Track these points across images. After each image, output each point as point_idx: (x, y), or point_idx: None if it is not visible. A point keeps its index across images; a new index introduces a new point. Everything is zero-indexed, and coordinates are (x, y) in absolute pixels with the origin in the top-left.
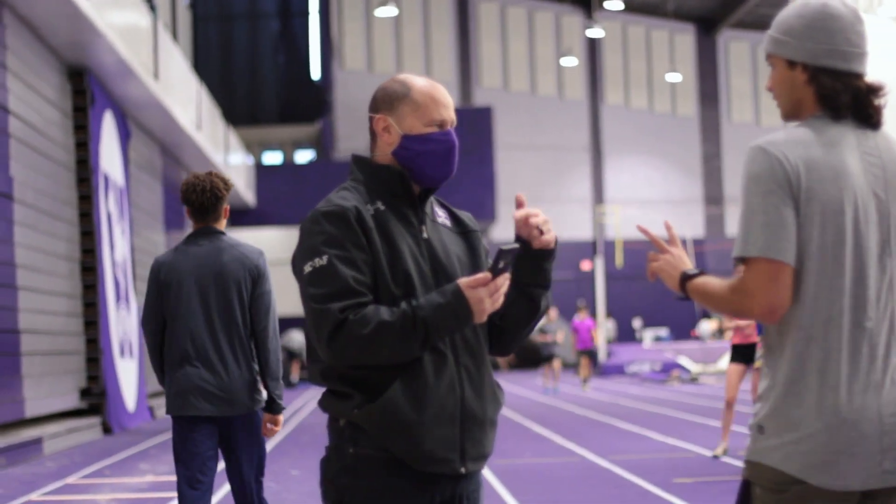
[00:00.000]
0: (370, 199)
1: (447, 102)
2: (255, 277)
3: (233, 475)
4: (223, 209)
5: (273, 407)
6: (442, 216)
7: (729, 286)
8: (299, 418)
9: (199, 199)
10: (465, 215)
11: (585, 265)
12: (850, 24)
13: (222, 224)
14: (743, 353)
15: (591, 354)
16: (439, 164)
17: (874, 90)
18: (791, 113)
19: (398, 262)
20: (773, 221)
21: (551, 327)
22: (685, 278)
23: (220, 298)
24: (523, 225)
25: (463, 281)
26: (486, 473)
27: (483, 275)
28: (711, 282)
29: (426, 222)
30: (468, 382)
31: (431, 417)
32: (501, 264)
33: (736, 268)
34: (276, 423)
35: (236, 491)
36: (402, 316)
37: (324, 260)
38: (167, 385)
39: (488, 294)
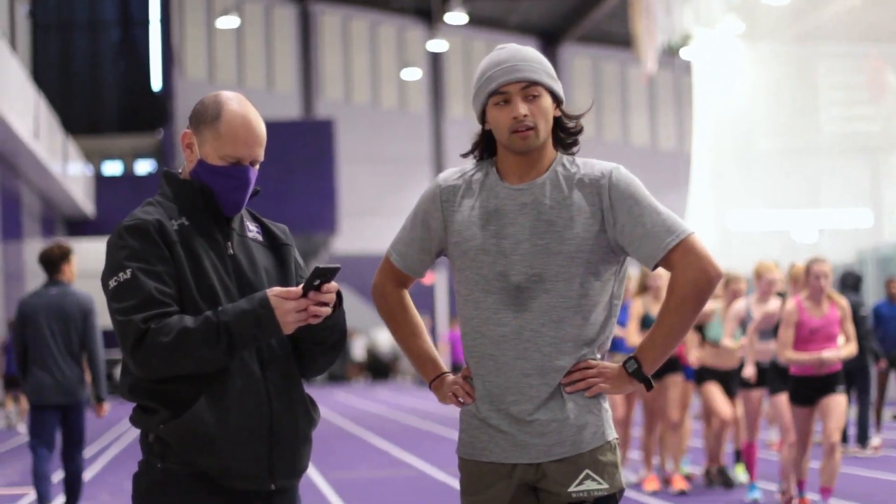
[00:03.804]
0: (176, 214)
1: (255, 141)
2: (86, 314)
3: (68, 442)
4: (64, 267)
5: (99, 398)
6: (253, 230)
7: (684, 279)
8: (115, 433)
9: (50, 260)
10: (280, 228)
11: (427, 278)
12: None
13: (66, 274)
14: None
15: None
16: (227, 197)
17: None
18: (542, 143)
19: (202, 277)
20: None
21: None
22: (636, 374)
23: (62, 328)
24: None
25: (272, 290)
26: (322, 486)
27: (295, 288)
28: (658, 325)
29: (233, 238)
30: (277, 397)
31: (237, 432)
32: (317, 282)
33: (664, 258)
34: (101, 408)
35: (67, 449)
36: (205, 322)
37: (127, 274)
38: (27, 383)
39: (296, 308)
